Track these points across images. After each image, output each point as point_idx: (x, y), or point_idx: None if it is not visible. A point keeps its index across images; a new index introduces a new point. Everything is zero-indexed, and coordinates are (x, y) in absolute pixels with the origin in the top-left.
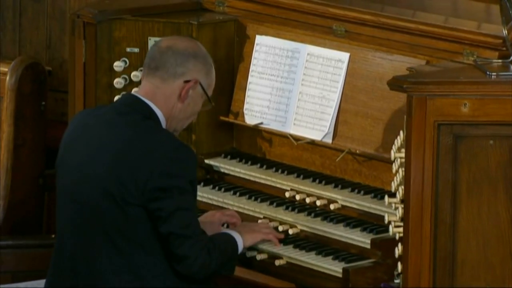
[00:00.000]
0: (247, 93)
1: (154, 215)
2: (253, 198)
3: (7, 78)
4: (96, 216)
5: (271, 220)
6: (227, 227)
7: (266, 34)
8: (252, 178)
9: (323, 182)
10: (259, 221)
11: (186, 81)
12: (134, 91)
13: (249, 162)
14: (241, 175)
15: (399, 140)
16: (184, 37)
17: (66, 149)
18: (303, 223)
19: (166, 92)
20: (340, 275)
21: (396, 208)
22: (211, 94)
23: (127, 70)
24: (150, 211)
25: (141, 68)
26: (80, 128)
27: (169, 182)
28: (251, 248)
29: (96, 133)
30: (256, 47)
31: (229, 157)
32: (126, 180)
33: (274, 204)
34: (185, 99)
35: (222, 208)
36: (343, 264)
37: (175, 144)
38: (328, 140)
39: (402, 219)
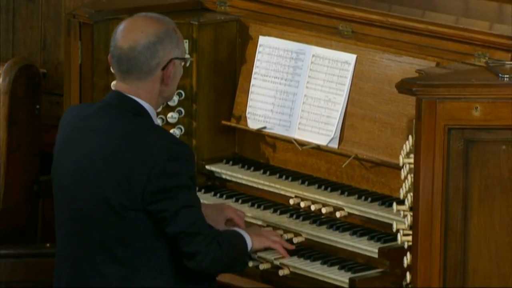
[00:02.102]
0: (250, 96)
1: (158, 217)
2: (256, 205)
3: (0, 80)
4: (93, 224)
5: (274, 228)
6: None
7: (270, 34)
8: (255, 185)
9: (329, 188)
10: (266, 229)
11: (164, 67)
12: (114, 87)
13: (252, 168)
14: (244, 182)
15: (408, 145)
16: (137, 19)
17: (58, 156)
18: (308, 231)
19: (147, 86)
20: (347, 286)
21: (404, 216)
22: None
23: None
24: (153, 214)
25: None
26: (71, 132)
27: (169, 182)
28: (253, 258)
29: (87, 136)
30: (259, 48)
31: (231, 162)
32: (122, 184)
33: (278, 211)
34: (169, 80)
35: None
36: (349, 274)
37: (169, 141)
38: (334, 145)
39: (411, 227)
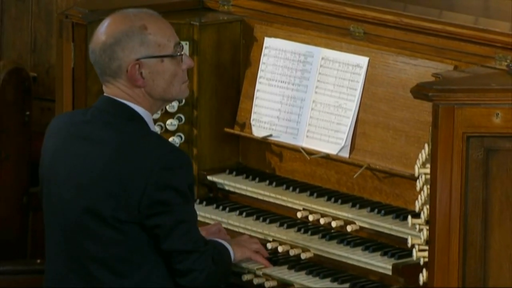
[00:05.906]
0: (255, 102)
1: (153, 232)
2: (261, 218)
3: None
4: (87, 238)
5: (281, 243)
6: None
7: (276, 36)
8: (260, 197)
9: (339, 201)
10: (268, 244)
11: (128, 70)
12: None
13: (257, 179)
14: (248, 193)
15: (423, 154)
16: (107, 19)
17: (49, 166)
18: (317, 246)
19: (125, 89)
20: None
21: (420, 230)
22: (174, 47)
23: None
24: (148, 228)
25: None
26: (62, 140)
27: (165, 194)
28: (257, 274)
29: (80, 145)
30: (264, 51)
31: (234, 173)
32: (117, 196)
33: (285, 225)
34: (144, 81)
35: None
36: None
37: (165, 150)
38: (345, 154)
39: (427, 242)
